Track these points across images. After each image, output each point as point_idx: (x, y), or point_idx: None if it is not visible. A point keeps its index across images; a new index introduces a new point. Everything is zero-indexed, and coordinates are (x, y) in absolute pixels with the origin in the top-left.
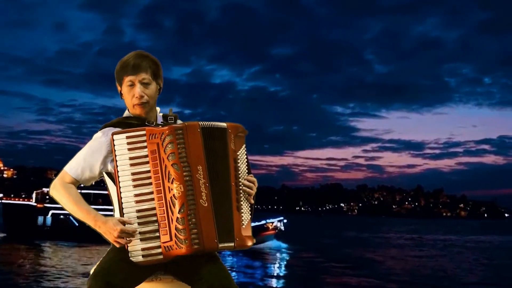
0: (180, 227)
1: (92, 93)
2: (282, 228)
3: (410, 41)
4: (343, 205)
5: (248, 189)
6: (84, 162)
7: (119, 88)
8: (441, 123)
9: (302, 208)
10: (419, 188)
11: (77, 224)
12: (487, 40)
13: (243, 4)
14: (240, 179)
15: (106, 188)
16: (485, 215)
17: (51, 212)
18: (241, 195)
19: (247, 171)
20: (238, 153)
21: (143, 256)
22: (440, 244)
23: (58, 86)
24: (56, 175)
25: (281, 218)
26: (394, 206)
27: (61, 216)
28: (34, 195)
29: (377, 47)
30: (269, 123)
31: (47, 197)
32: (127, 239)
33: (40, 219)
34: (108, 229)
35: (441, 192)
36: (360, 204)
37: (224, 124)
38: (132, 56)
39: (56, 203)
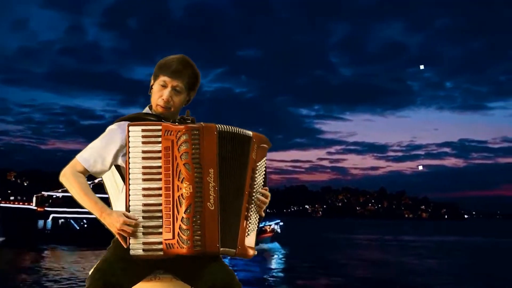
0: (184, 227)
1: (53, 93)
2: (279, 230)
3: (375, 45)
4: (307, 207)
5: (260, 203)
6: (97, 153)
7: (152, 81)
8: (404, 126)
9: (268, 210)
10: (382, 190)
11: (78, 228)
12: (449, 46)
13: (209, 5)
14: (254, 190)
15: (105, 192)
16: (446, 216)
17: (51, 216)
18: (252, 205)
19: (263, 183)
20: (258, 164)
21: (143, 250)
22: (402, 245)
23: (17, 85)
24: (16, 177)
25: (278, 221)
26: (358, 208)
27: (62, 220)
28: (34, 199)
29: (342, 51)
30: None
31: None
32: (129, 231)
33: (41, 223)
34: (112, 221)
35: (403, 194)
36: (325, 206)
37: (249, 133)
38: (177, 59)
39: (57, 206)
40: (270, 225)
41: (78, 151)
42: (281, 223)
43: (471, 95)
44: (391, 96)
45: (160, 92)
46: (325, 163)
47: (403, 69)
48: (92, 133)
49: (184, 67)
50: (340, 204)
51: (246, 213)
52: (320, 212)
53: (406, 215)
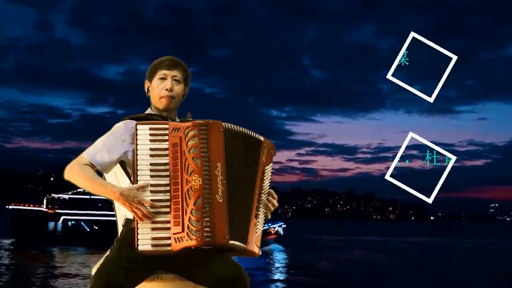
0: (193, 218)
1: (19, 90)
2: (282, 232)
3: (346, 48)
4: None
5: (269, 204)
6: (103, 148)
7: (147, 84)
8: (373, 128)
9: None
10: (351, 191)
11: (88, 230)
12: (418, 50)
13: (180, 4)
14: (263, 190)
15: None
16: (413, 218)
17: (62, 218)
18: (261, 205)
19: (269, 186)
20: (266, 168)
21: (152, 245)
22: (370, 245)
23: None
24: None
25: (281, 223)
26: (327, 209)
27: (72, 222)
28: (44, 201)
29: (314, 53)
30: None
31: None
32: (145, 212)
33: (51, 224)
34: (128, 199)
35: (372, 196)
36: (294, 207)
37: (261, 137)
38: (169, 57)
39: (67, 208)
40: (274, 227)
41: (44, 150)
42: (284, 225)
43: (439, 99)
44: (361, 98)
45: (162, 85)
46: (295, 164)
47: (374, 72)
48: (60, 132)
49: (178, 62)
50: (309, 205)
51: (256, 212)
52: (290, 213)
53: (374, 217)
